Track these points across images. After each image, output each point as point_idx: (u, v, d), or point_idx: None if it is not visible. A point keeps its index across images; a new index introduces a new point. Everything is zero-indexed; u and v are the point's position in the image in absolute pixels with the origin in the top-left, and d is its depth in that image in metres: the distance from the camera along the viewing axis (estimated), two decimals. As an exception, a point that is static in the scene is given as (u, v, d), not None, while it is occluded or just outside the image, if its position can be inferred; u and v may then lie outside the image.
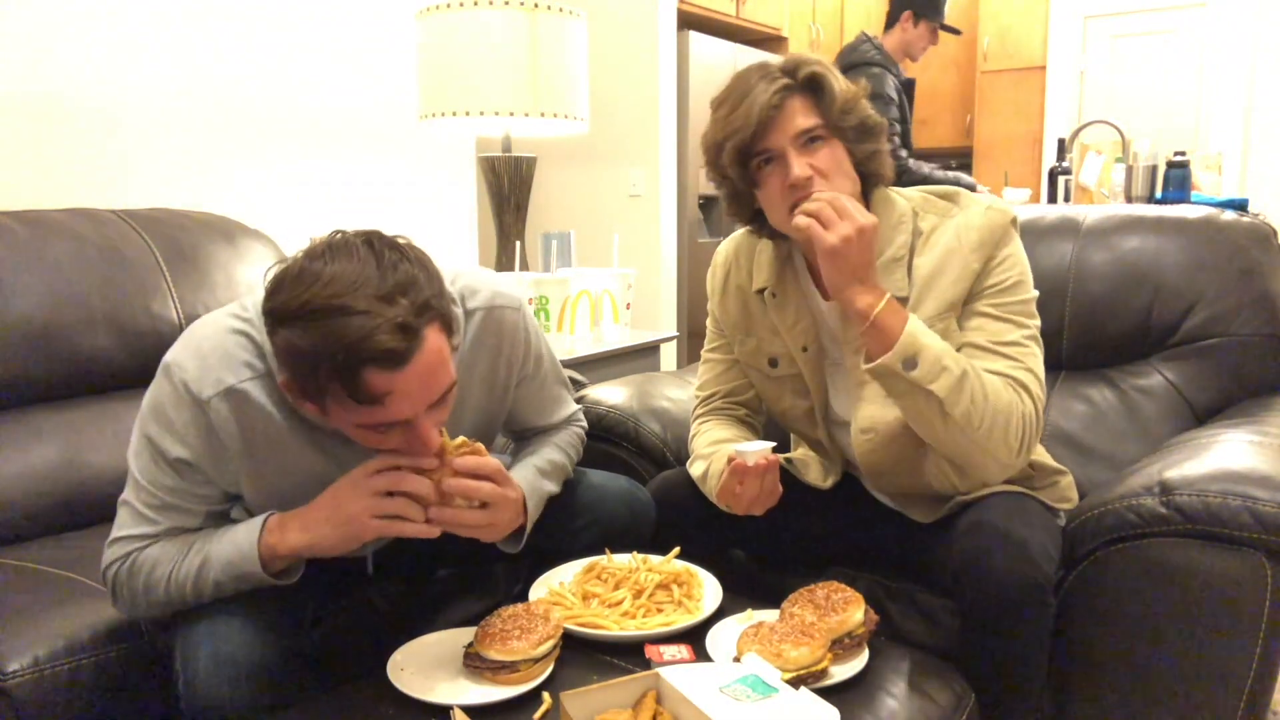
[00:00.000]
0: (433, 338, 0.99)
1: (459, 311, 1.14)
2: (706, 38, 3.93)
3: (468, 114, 2.12)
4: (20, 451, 1.57)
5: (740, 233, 1.48)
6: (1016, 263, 1.27)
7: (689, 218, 3.92)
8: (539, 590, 1.27)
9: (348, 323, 0.92)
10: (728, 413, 1.50)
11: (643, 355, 2.53)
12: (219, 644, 1.05)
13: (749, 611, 1.22)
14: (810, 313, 1.37)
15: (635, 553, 1.32)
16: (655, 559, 1.31)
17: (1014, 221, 1.29)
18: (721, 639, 1.15)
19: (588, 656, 1.13)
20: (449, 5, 2.10)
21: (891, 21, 3.52)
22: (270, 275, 0.99)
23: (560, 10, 2.15)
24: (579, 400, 1.71)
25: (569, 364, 2.12)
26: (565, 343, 2.29)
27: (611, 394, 1.78)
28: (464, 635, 1.15)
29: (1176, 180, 2.76)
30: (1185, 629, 1.17)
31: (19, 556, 1.44)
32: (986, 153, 5.45)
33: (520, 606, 1.15)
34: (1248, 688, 1.16)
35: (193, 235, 1.90)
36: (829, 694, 1.01)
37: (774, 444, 1.26)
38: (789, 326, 1.38)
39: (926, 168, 3.33)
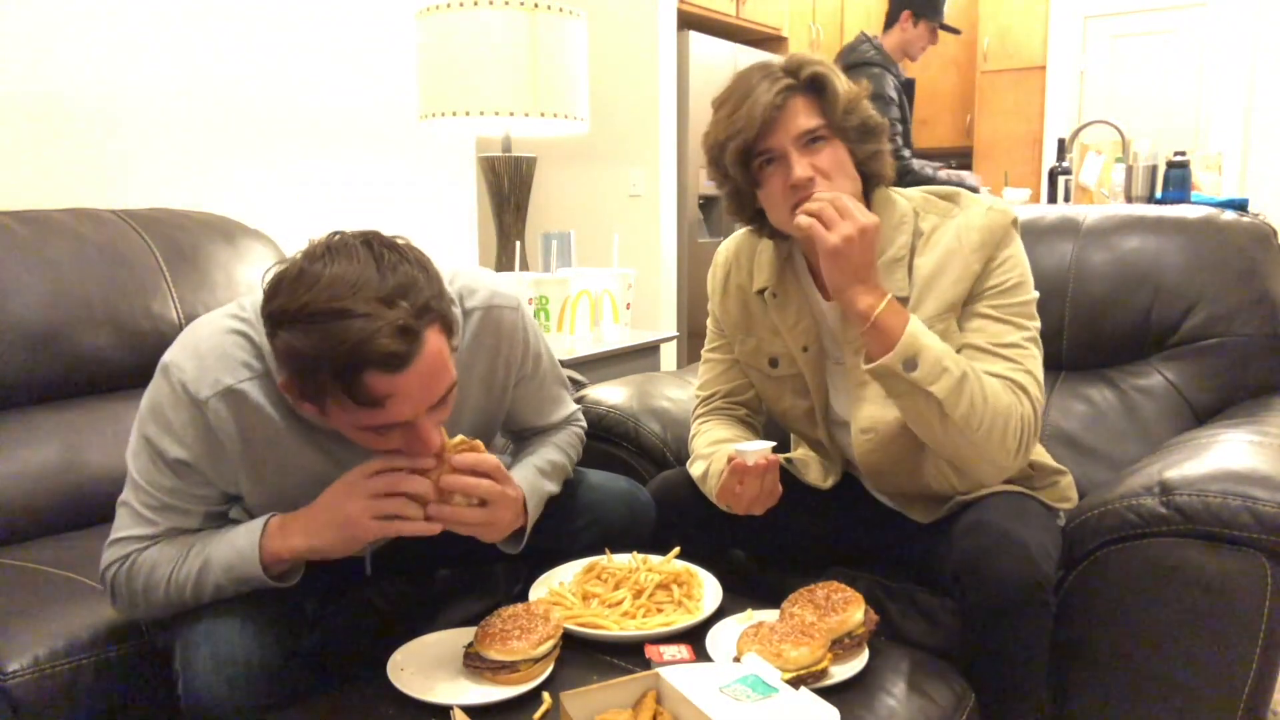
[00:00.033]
0: (433, 339, 0.99)
1: (457, 311, 1.14)
2: (706, 38, 3.93)
3: (468, 114, 2.12)
4: (20, 451, 1.57)
5: (741, 233, 1.48)
6: (1017, 264, 1.27)
7: (689, 218, 3.92)
8: (539, 590, 1.27)
9: (348, 326, 0.92)
10: (728, 413, 1.50)
11: (643, 355, 2.53)
12: (218, 644, 1.05)
13: (749, 611, 1.22)
14: (811, 313, 1.37)
15: (635, 553, 1.32)
16: (655, 559, 1.31)
17: (1015, 222, 1.29)
18: (721, 639, 1.15)
19: (588, 656, 1.13)
20: (449, 5, 2.10)
21: (891, 21, 3.52)
22: (269, 277, 0.99)
23: (560, 10, 2.15)
24: (579, 400, 1.71)
25: (569, 364, 2.12)
26: (565, 343, 2.29)
27: (611, 394, 1.78)
28: (464, 635, 1.15)
29: (1176, 180, 2.76)
30: (1185, 629, 1.17)
31: (19, 556, 1.44)
32: (986, 153, 5.45)
33: (520, 606, 1.15)
34: (1248, 688, 1.16)
35: (193, 235, 1.90)
36: (829, 694, 1.01)
37: (774, 444, 1.26)
38: (789, 326, 1.38)
39: (930, 169, 3.33)
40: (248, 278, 1.92)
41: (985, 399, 1.17)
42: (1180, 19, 4.95)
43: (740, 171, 1.26)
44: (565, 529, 1.34)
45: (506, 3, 2.08)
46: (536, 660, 1.07)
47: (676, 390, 1.84)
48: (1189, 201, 2.65)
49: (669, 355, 3.75)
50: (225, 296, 1.86)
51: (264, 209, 2.49)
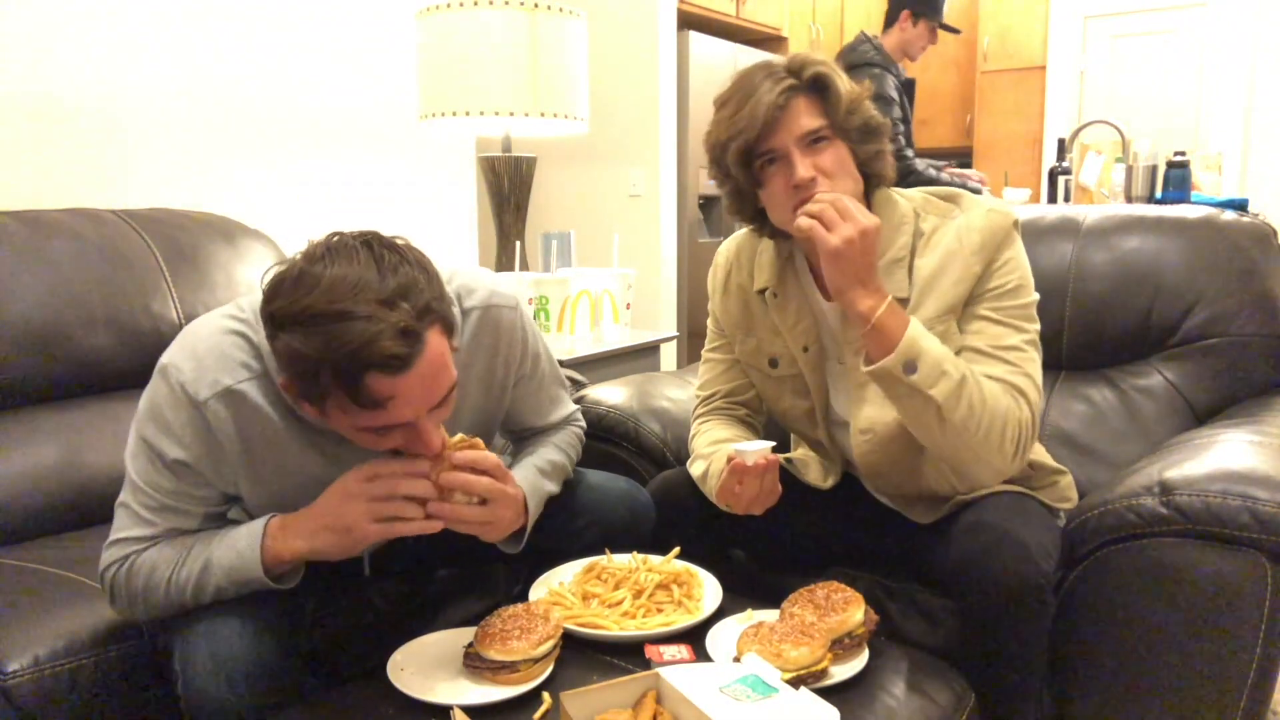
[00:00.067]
0: (434, 341, 0.99)
1: (456, 311, 1.14)
2: (706, 38, 3.93)
3: (468, 114, 2.12)
4: (20, 451, 1.57)
5: (742, 233, 1.48)
6: (1018, 266, 1.27)
7: (689, 218, 3.92)
8: (539, 590, 1.27)
9: (350, 328, 0.92)
10: (728, 412, 1.50)
11: (643, 355, 2.53)
12: (218, 644, 1.05)
13: (749, 611, 1.22)
14: (811, 313, 1.37)
15: (635, 553, 1.32)
16: (655, 559, 1.31)
17: (1016, 224, 1.28)
18: (721, 639, 1.15)
19: (588, 656, 1.13)
20: (449, 5, 2.10)
21: (890, 21, 3.51)
22: (268, 278, 0.99)
23: (560, 10, 2.15)
24: (579, 400, 1.71)
25: (569, 364, 2.12)
26: (565, 343, 2.29)
27: (611, 394, 1.78)
28: (464, 635, 1.15)
29: (1176, 180, 2.76)
30: (1185, 629, 1.17)
31: (19, 556, 1.44)
32: (986, 153, 5.45)
33: (520, 606, 1.15)
34: (1248, 688, 1.16)
35: (193, 235, 1.90)
36: (829, 694, 1.01)
37: (773, 444, 1.26)
38: (790, 326, 1.38)
39: (933, 170, 3.32)
40: (248, 278, 1.92)
41: (984, 402, 1.17)
42: (1180, 19, 4.95)
43: (742, 171, 1.26)
44: (565, 529, 1.34)
45: (506, 3, 2.08)
46: (536, 660, 1.07)
47: (676, 390, 1.84)
48: (1189, 201, 2.65)
49: (669, 355, 3.75)
50: (225, 296, 1.86)
51: (264, 209, 2.49)
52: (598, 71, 3.13)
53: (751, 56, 4.10)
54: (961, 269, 1.26)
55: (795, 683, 1.00)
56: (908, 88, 3.46)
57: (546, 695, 1.04)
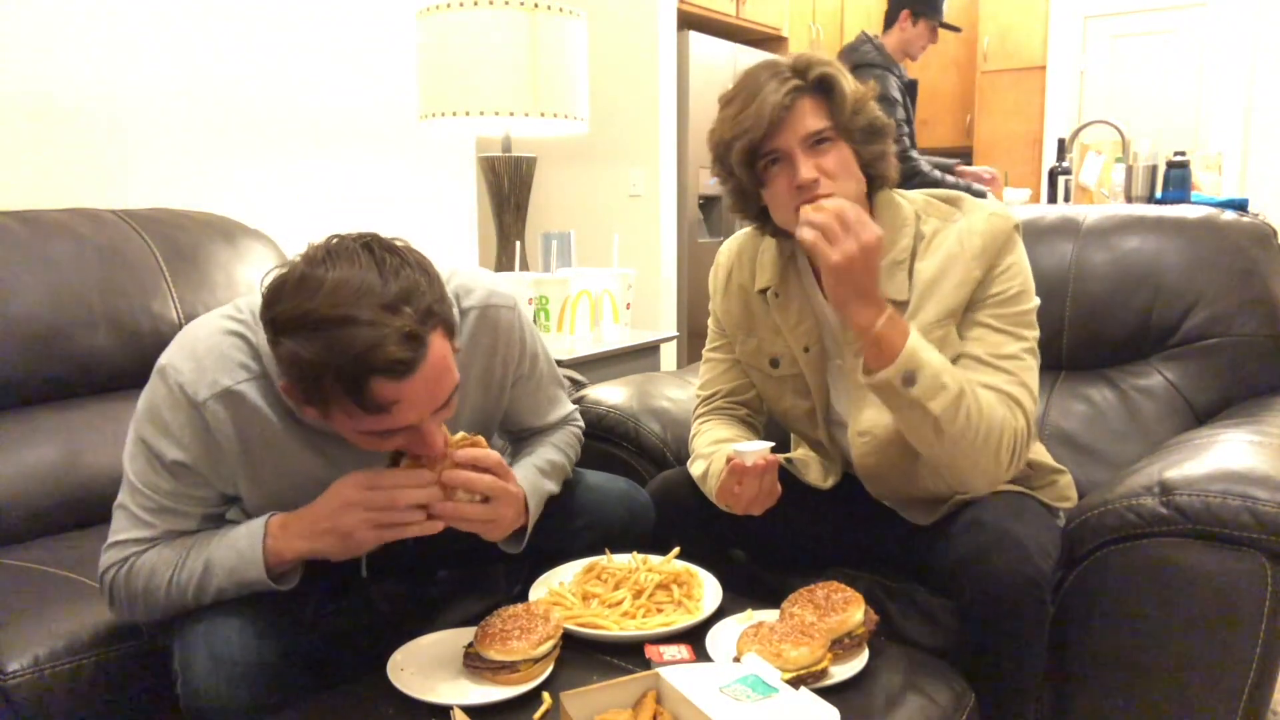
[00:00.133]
0: (437, 344, 0.98)
1: (454, 311, 1.14)
2: (706, 38, 3.93)
3: (468, 114, 2.12)
4: (20, 451, 1.57)
5: (743, 232, 1.48)
6: (1019, 272, 1.27)
7: (689, 218, 3.92)
8: (539, 590, 1.27)
9: (354, 334, 0.91)
10: (729, 412, 1.50)
11: (643, 355, 2.53)
12: (218, 644, 1.04)
13: (749, 611, 1.22)
14: (813, 313, 1.37)
15: (635, 553, 1.32)
16: (655, 559, 1.31)
17: (1017, 228, 1.28)
18: (721, 639, 1.15)
19: (588, 656, 1.13)
20: (449, 5, 2.10)
21: (890, 21, 3.51)
22: (268, 281, 0.98)
23: (560, 10, 2.15)
24: (579, 400, 1.71)
25: (569, 364, 2.12)
26: (565, 343, 2.29)
27: (611, 394, 1.78)
28: (464, 635, 1.15)
29: (1176, 180, 2.76)
30: (1185, 629, 1.17)
31: (19, 556, 1.44)
32: (986, 153, 5.45)
33: (520, 606, 1.14)
34: (1248, 688, 1.16)
35: (193, 235, 1.90)
36: (829, 694, 1.01)
37: (773, 444, 1.26)
38: (791, 326, 1.38)
39: (938, 172, 3.32)
40: (248, 278, 1.92)
41: (980, 414, 1.17)
42: (1180, 19, 4.95)
43: (745, 171, 1.26)
44: (564, 530, 1.34)
45: (506, 3, 2.08)
46: (536, 660, 1.07)
47: (676, 390, 1.84)
48: (1189, 201, 2.64)
49: (669, 355, 3.75)
50: (225, 296, 1.86)
51: (264, 209, 2.49)
52: (598, 71, 3.13)
53: (751, 56, 4.10)
54: (962, 273, 1.25)
55: (795, 683, 1.00)
56: (910, 88, 3.46)
57: (546, 695, 1.04)
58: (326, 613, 1.34)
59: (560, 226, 3.32)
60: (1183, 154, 2.81)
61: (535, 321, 2.25)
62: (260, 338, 1.05)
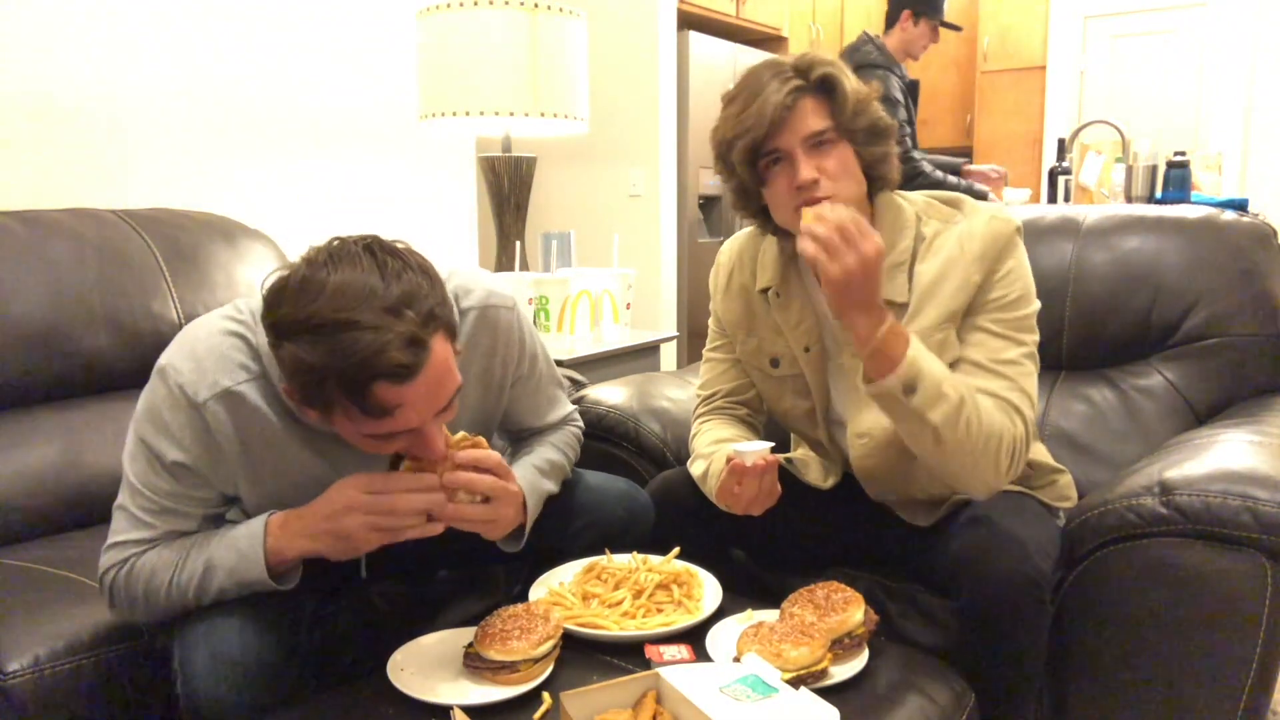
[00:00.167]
0: (439, 347, 0.98)
1: (454, 312, 1.14)
2: (706, 38, 3.93)
3: (468, 114, 2.12)
4: (20, 451, 1.57)
5: (744, 232, 1.48)
6: (1020, 277, 1.26)
7: (689, 218, 3.92)
8: (539, 590, 1.27)
9: (357, 338, 0.91)
10: (729, 412, 1.50)
11: (643, 355, 2.53)
12: (218, 644, 1.04)
13: (749, 611, 1.22)
14: (814, 313, 1.37)
15: (635, 553, 1.32)
16: (655, 559, 1.31)
17: (1018, 231, 1.27)
18: (721, 639, 1.15)
19: (588, 656, 1.13)
20: (449, 5, 2.10)
21: (891, 22, 3.51)
22: (269, 283, 0.98)
23: (560, 10, 2.15)
24: (579, 400, 1.71)
25: (569, 364, 2.12)
26: (565, 343, 2.29)
27: (611, 394, 1.78)
28: (464, 635, 1.15)
29: (1176, 180, 2.76)
30: (1185, 629, 1.17)
31: (19, 556, 1.44)
32: (986, 153, 5.45)
33: (520, 606, 1.15)
34: (1248, 688, 1.16)
35: (193, 235, 1.90)
36: (829, 694, 1.01)
37: (773, 444, 1.26)
38: (792, 326, 1.38)
39: (939, 173, 3.32)
40: (248, 278, 1.92)
41: (980, 423, 1.16)
42: (1180, 19, 4.95)
43: (746, 170, 1.26)
44: (563, 530, 1.34)
45: (506, 3, 2.08)
46: (536, 660, 1.07)
47: (676, 390, 1.84)
48: (1189, 201, 2.65)
49: (669, 355, 3.75)
50: (225, 296, 1.86)
51: (264, 209, 2.49)
52: (598, 71, 3.13)
53: (751, 56, 4.10)
54: (962, 277, 1.25)
55: (795, 683, 1.00)
56: (912, 89, 3.45)
57: (546, 695, 1.04)
58: (326, 613, 1.34)
59: (560, 226, 3.32)
60: (1183, 154, 2.81)
61: (535, 321, 2.25)
62: (260, 338, 1.05)
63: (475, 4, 2.08)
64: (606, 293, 2.46)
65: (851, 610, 1.12)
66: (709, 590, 1.26)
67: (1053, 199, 3.20)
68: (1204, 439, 1.34)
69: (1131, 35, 5.10)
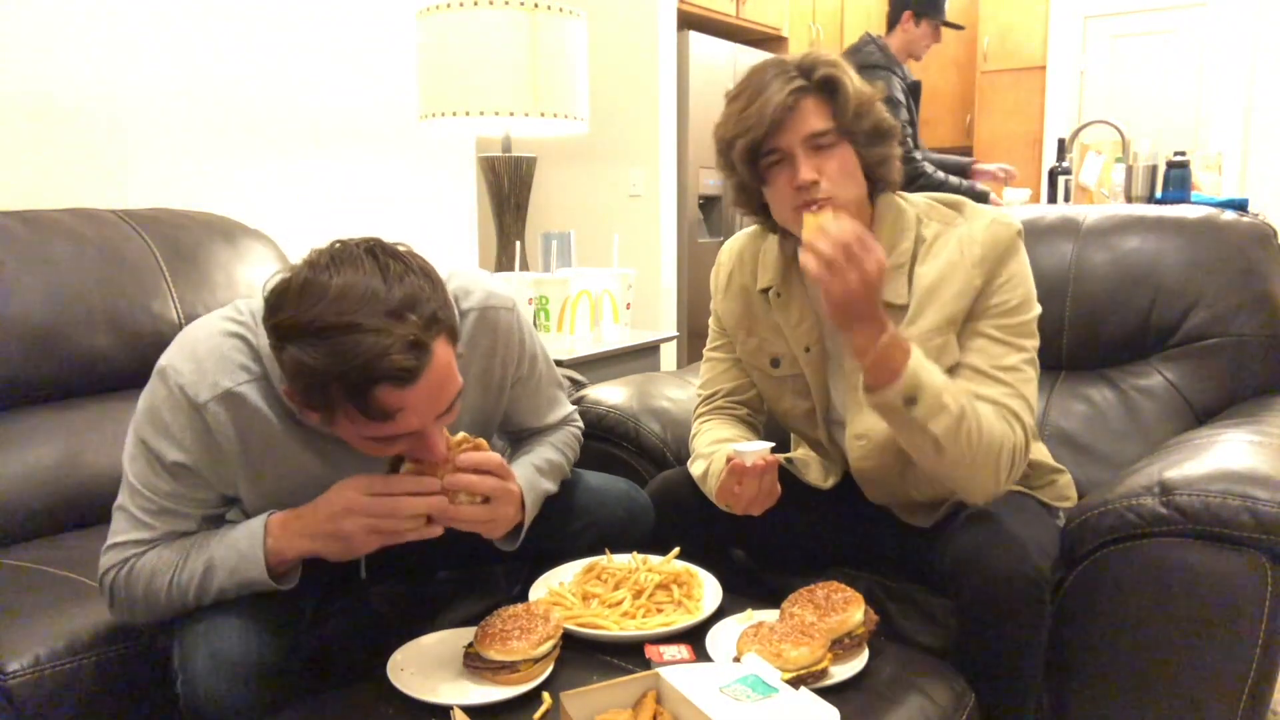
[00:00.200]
0: (441, 350, 0.98)
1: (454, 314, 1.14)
2: (706, 38, 3.93)
3: (468, 114, 2.12)
4: (20, 451, 1.57)
5: (745, 232, 1.48)
6: (1020, 282, 1.26)
7: (689, 218, 3.92)
8: (539, 590, 1.27)
9: (359, 341, 0.91)
10: (729, 412, 1.50)
11: (643, 355, 2.53)
12: (218, 644, 1.04)
13: (749, 611, 1.22)
14: (814, 313, 1.37)
15: (635, 553, 1.32)
16: (655, 559, 1.31)
17: (1019, 234, 1.27)
18: (721, 639, 1.15)
19: (588, 656, 1.13)
20: (449, 5, 2.10)
21: (893, 22, 3.50)
22: (271, 286, 0.98)
23: (560, 10, 2.15)
24: (579, 400, 1.71)
25: (569, 364, 2.12)
26: (565, 343, 2.29)
27: (611, 394, 1.78)
28: (464, 635, 1.15)
29: (1176, 180, 2.76)
30: (1185, 629, 1.17)
31: (19, 556, 1.44)
32: (986, 153, 5.45)
33: (520, 607, 1.15)
34: (1248, 688, 1.16)
35: (193, 235, 1.90)
36: (829, 694, 1.01)
37: (773, 444, 1.26)
38: (792, 326, 1.38)
39: (941, 174, 3.31)
40: (248, 278, 1.92)
41: (980, 432, 1.16)
42: (1180, 19, 4.95)
43: (747, 168, 1.26)
44: (563, 530, 1.34)
45: (506, 3, 2.08)
46: (536, 660, 1.07)
47: (676, 390, 1.84)
48: (1189, 201, 2.64)
49: (669, 355, 3.75)
50: (225, 296, 1.86)
51: (264, 209, 2.49)
52: (598, 71, 3.13)
53: (751, 56, 4.10)
54: (963, 281, 1.25)
55: (795, 683, 1.00)
56: (914, 90, 3.45)
57: (546, 695, 1.04)
58: (326, 613, 1.34)
59: (560, 226, 3.32)
60: (1183, 154, 2.81)
61: (535, 322, 2.25)
62: (261, 339, 1.05)
63: (475, 4, 2.08)
64: (606, 293, 2.46)
65: (851, 610, 1.12)
66: (709, 590, 1.26)
67: (1053, 199, 3.20)
68: (1204, 439, 1.34)
69: (1131, 35, 5.10)
